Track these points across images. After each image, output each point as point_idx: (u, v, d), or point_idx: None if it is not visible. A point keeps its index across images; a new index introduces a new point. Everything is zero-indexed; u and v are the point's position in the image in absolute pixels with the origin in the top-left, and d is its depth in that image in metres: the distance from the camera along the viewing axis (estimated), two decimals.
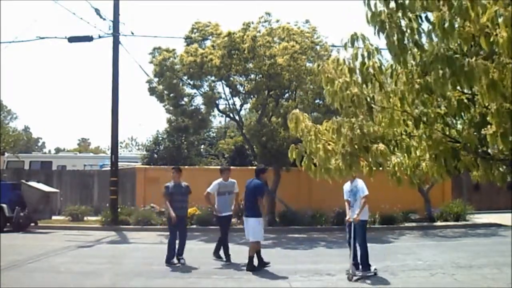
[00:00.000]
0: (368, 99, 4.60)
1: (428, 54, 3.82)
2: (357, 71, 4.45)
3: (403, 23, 3.92)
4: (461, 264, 9.31)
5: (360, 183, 8.43)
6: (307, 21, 16.75)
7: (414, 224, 16.32)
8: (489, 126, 3.90)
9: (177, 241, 9.67)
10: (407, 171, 4.99)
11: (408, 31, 3.88)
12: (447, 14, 3.54)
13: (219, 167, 14.58)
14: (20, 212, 14.95)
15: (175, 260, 9.54)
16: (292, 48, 14.99)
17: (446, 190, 18.88)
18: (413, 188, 5.50)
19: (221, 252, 9.76)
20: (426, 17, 3.96)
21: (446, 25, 3.56)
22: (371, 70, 4.33)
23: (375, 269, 8.42)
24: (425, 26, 3.97)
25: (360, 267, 8.36)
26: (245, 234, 9.21)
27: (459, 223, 16.22)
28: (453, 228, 15.50)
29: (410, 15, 3.86)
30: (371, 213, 16.17)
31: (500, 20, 3.43)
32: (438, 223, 16.39)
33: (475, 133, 4.29)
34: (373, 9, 3.92)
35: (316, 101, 16.05)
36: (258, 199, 9.00)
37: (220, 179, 9.84)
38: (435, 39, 3.89)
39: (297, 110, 5.17)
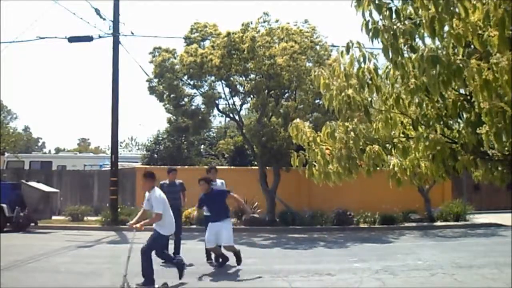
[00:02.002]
0: (366, 102, 4.62)
1: (416, 56, 3.85)
2: (354, 76, 4.49)
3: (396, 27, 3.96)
4: (461, 264, 9.30)
5: (154, 195, 7.82)
6: (306, 21, 16.76)
7: (414, 224, 16.32)
8: (484, 125, 3.91)
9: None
10: (406, 172, 5.00)
11: (402, 35, 3.91)
12: (434, 12, 3.56)
13: (217, 167, 14.56)
14: (20, 212, 14.95)
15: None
16: (292, 48, 14.98)
17: (446, 190, 18.89)
18: (413, 185, 5.54)
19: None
20: (411, 16, 3.99)
21: (435, 24, 3.58)
22: (366, 73, 4.37)
23: (164, 283, 7.73)
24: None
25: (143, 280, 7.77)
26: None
27: (459, 223, 16.23)
28: (453, 228, 15.50)
29: (407, 23, 3.88)
30: (372, 213, 16.23)
31: (492, 21, 3.44)
32: (438, 223, 16.40)
33: (472, 133, 4.29)
34: (368, 18, 3.99)
35: (316, 101, 16.02)
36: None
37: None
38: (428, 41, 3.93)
39: (298, 120, 5.33)
